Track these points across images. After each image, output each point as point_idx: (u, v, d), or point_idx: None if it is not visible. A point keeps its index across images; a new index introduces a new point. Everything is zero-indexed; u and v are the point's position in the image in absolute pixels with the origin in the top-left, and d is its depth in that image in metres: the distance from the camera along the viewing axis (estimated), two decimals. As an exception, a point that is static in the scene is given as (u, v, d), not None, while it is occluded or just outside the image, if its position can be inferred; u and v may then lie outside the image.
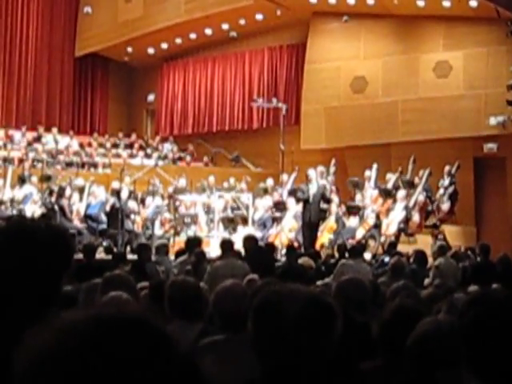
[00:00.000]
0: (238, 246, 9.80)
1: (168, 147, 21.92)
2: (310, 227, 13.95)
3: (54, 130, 21.04)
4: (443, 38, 17.78)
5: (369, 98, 18.57)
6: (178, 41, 21.80)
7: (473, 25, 17.12)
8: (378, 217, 15.02)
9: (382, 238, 14.67)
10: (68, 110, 23.19)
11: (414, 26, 18.07)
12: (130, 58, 22.84)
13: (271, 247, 10.47)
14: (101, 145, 21.39)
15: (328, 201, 14.44)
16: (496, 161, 17.14)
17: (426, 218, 15.33)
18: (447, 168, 15.82)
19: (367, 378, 3.13)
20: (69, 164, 19.07)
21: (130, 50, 22.25)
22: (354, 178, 16.64)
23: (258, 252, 8.45)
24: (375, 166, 16.31)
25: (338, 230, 15.08)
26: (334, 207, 15.27)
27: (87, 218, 15.23)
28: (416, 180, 15.71)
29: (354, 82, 18.88)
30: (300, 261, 8.74)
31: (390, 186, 15.85)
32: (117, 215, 14.30)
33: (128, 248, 13.99)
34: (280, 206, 15.66)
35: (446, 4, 16.83)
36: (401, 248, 12.81)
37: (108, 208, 14.92)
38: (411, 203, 15.07)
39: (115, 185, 15.37)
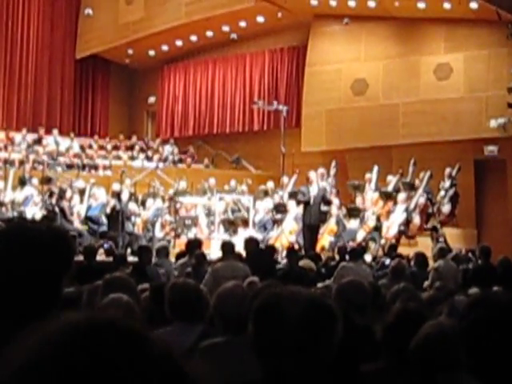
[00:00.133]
0: (239, 248, 9.80)
1: (169, 149, 21.89)
2: (310, 229, 13.95)
3: (55, 131, 21.03)
4: (444, 40, 17.78)
5: (369, 101, 18.55)
6: (179, 43, 21.81)
7: (474, 27, 17.11)
8: (378, 219, 15.03)
9: (383, 241, 14.68)
10: (69, 111, 23.17)
11: (415, 29, 18.06)
12: (131, 60, 22.85)
13: (272, 249, 10.47)
14: (101, 147, 21.40)
15: (328, 203, 14.43)
16: (496, 163, 17.12)
17: (426, 221, 15.32)
18: (448, 170, 15.81)
19: (368, 380, 3.13)
20: (69, 166, 19.09)
21: (130, 52, 22.26)
22: (354, 181, 16.64)
23: (259, 254, 8.47)
24: (376, 168, 16.32)
25: (339, 233, 15.07)
26: (334, 209, 15.25)
27: (88, 219, 15.23)
28: (417, 182, 15.71)
29: (354, 84, 18.87)
30: (301, 263, 8.75)
31: (390, 188, 15.86)
32: (117, 217, 14.31)
33: (129, 250, 13.97)
34: (280, 208, 15.65)
35: (447, 6, 16.81)
36: (401, 250, 12.78)
37: (108, 210, 14.91)
38: (412, 205, 15.07)
39: (116, 187, 15.37)
